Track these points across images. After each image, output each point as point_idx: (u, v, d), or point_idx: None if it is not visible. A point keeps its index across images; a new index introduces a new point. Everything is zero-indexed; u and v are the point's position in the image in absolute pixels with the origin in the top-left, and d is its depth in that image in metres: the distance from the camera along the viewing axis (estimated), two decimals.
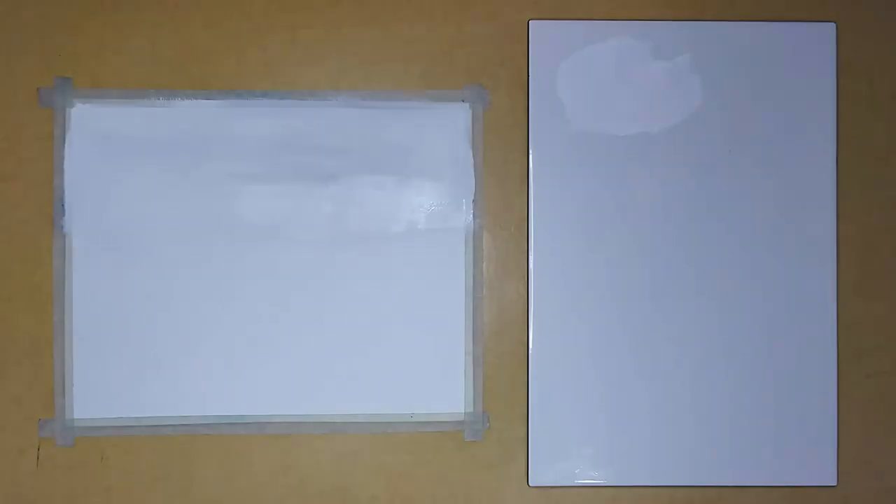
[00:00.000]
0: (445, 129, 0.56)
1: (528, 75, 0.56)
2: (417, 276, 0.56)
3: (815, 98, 0.56)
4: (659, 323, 0.56)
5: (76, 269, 0.55)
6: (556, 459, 0.56)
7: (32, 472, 0.56)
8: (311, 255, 0.56)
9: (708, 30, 0.56)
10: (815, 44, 0.56)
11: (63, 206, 0.55)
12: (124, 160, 0.56)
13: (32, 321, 0.55)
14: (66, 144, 0.55)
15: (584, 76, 0.56)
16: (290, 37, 0.56)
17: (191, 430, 0.56)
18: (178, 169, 0.56)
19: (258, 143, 0.56)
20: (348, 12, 0.57)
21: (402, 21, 0.57)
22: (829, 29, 0.56)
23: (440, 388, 0.56)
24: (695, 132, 0.56)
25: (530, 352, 0.55)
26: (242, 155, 0.56)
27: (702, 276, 0.56)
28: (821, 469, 0.56)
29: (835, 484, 0.56)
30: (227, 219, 0.56)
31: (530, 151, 0.56)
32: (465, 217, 0.56)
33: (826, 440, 0.56)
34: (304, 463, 0.56)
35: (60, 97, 0.55)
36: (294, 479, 0.56)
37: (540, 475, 0.56)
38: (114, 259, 0.55)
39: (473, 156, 0.56)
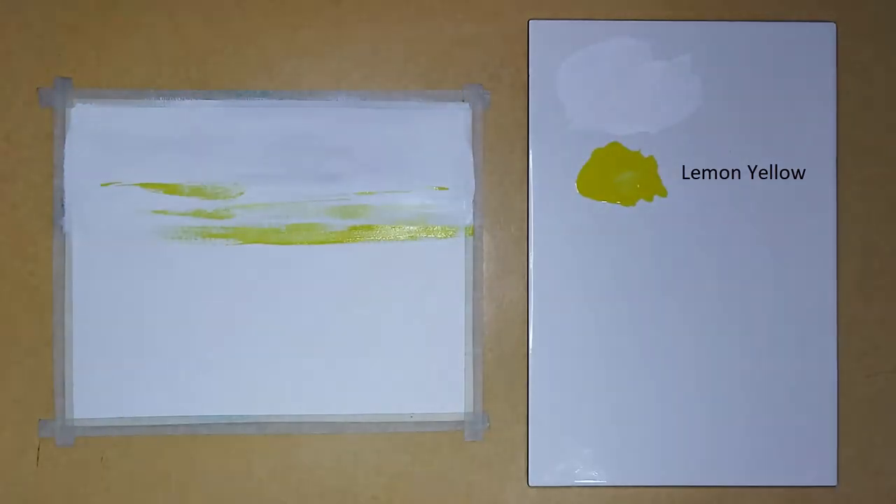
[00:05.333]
0: (445, 129, 0.56)
1: (528, 75, 0.56)
2: (417, 276, 0.56)
3: (815, 98, 0.56)
4: (659, 323, 0.56)
5: (76, 269, 0.55)
6: (556, 459, 0.56)
7: (32, 472, 0.56)
8: (311, 255, 0.56)
9: (708, 30, 0.56)
10: (815, 44, 0.56)
11: (63, 206, 0.55)
12: (124, 160, 0.56)
13: (32, 321, 0.55)
14: (66, 144, 0.55)
15: (584, 76, 0.56)
16: (290, 37, 0.56)
17: (191, 430, 0.56)
18: (178, 169, 0.56)
19: (258, 143, 0.56)
20: (348, 12, 0.57)
21: (402, 21, 0.57)
22: (829, 29, 0.56)
23: (440, 388, 0.56)
24: (695, 132, 0.56)
25: (530, 352, 0.56)
26: (242, 155, 0.56)
27: (701, 277, 0.56)
28: (821, 469, 0.56)
29: (835, 484, 0.56)
30: (226, 219, 0.56)
31: (530, 151, 0.56)
32: (465, 217, 0.56)
33: (826, 440, 0.56)
34: (304, 463, 0.56)
35: (60, 97, 0.55)
36: (294, 480, 0.56)
37: (540, 475, 0.56)
38: (114, 259, 0.55)
39: (473, 156, 0.56)
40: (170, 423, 0.56)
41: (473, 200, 0.57)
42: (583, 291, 0.56)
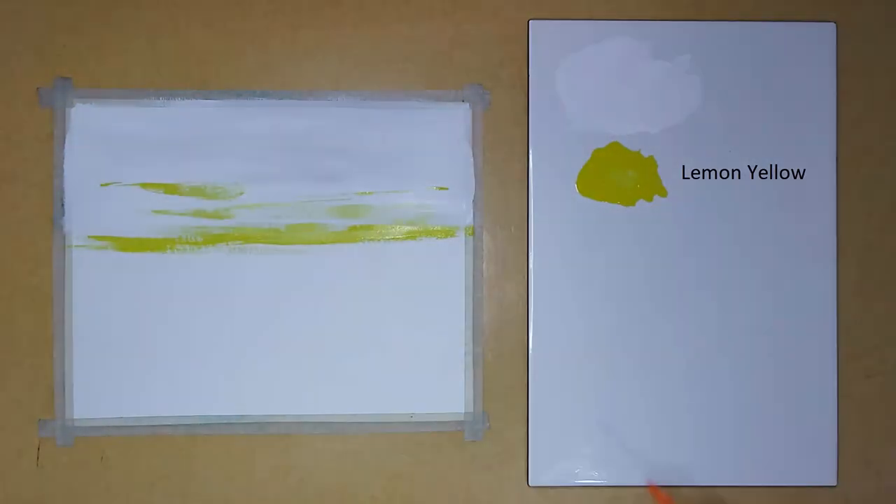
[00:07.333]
0: (445, 129, 0.56)
1: (528, 75, 0.56)
2: (417, 276, 0.56)
3: (815, 98, 0.56)
4: (659, 323, 0.56)
5: (76, 269, 0.55)
6: (556, 459, 0.56)
7: (32, 472, 0.56)
8: (311, 254, 0.56)
9: (708, 30, 0.56)
10: (815, 44, 0.56)
11: (63, 206, 0.55)
12: (124, 160, 0.56)
13: (32, 321, 0.55)
14: (66, 144, 0.55)
15: (584, 76, 0.56)
16: (290, 37, 0.56)
17: (191, 431, 0.56)
18: (178, 169, 0.56)
19: (258, 143, 0.56)
20: (348, 12, 0.57)
21: (402, 21, 0.57)
22: (829, 29, 0.56)
23: (440, 388, 0.56)
24: (695, 132, 0.56)
25: (530, 352, 0.56)
26: (242, 155, 0.56)
27: (702, 277, 0.56)
28: (821, 469, 0.56)
29: (835, 484, 0.56)
30: (226, 218, 0.56)
31: (530, 151, 0.56)
32: (465, 217, 0.56)
33: (826, 440, 0.56)
34: (304, 463, 0.56)
35: (60, 97, 0.55)
36: (294, 480, 0.56)
37: (540, 475, 0.56)
38: (114, 259, 0.55)
39: (473, 156, 0.56)
40: (170, 423, 0.56)
41: (473, 200, 0.57)
42: (583, 291, 0.56)
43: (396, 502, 0.56)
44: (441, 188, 0.56)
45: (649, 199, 0.56)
